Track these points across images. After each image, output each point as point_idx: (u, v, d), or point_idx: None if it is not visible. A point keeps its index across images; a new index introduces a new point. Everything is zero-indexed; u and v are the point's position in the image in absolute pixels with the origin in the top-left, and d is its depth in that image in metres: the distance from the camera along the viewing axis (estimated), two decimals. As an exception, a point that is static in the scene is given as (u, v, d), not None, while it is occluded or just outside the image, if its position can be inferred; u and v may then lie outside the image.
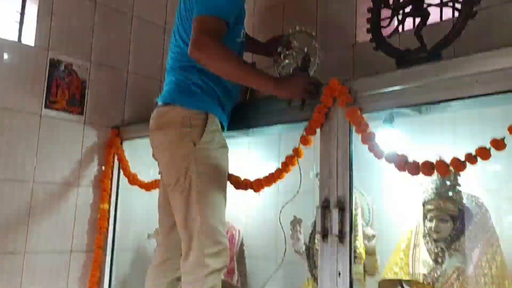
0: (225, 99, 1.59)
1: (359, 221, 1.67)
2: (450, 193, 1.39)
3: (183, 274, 1.46)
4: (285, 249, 1.61)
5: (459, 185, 1.40)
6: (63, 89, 2.23)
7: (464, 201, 1.39)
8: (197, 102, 1.50)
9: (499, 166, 1.47)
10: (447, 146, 1.60)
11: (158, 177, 1.73)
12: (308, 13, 2.27)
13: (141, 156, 2.22)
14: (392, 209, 1.70)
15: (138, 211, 2.41)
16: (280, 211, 1.57)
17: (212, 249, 1.41)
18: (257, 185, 1.58)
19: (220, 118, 1.55)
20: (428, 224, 1.39)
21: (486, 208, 1.38)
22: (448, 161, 1.31)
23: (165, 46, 2.61)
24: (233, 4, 1.50)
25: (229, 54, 1.42)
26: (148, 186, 2.13)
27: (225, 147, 1.55)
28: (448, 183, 1.40)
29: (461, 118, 1.60)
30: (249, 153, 2.30)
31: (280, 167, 1.55)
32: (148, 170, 2.20)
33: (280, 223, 1.60)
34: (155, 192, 1.83)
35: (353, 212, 1.67)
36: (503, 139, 1.06)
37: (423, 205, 1.45)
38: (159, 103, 1.59)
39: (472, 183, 1.44)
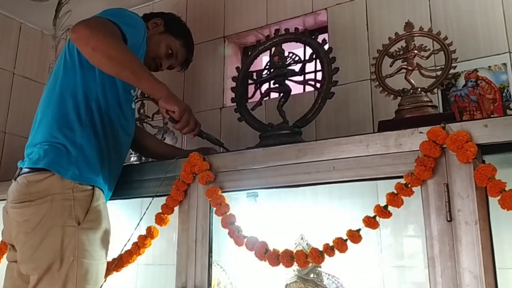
0: (114, 165, 1.35)
1: (224, 303, 1.54)
2: (312, 275, 1.34)
3: None
4: None
5: (319, 266, 1.36)
6: None
7: (325, 282, 1.36)
8: (80, 172, 1.23)
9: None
10: (312, 220, 1.58)
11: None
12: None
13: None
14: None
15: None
16: None
17: None
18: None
19: (105, 189, 1.30)
20: (291, 310, 1.32)
21: (345, 289, 1.36)
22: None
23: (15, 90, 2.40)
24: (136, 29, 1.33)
25: (115, 37, 1.22)
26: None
27: (109, 228, 1.29)
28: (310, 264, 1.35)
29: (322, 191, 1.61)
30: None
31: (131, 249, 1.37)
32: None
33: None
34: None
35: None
36: (358, 231, 1.04)
37: (286, 288, 1.38)
38: (24, 168, 1.26)
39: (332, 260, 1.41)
